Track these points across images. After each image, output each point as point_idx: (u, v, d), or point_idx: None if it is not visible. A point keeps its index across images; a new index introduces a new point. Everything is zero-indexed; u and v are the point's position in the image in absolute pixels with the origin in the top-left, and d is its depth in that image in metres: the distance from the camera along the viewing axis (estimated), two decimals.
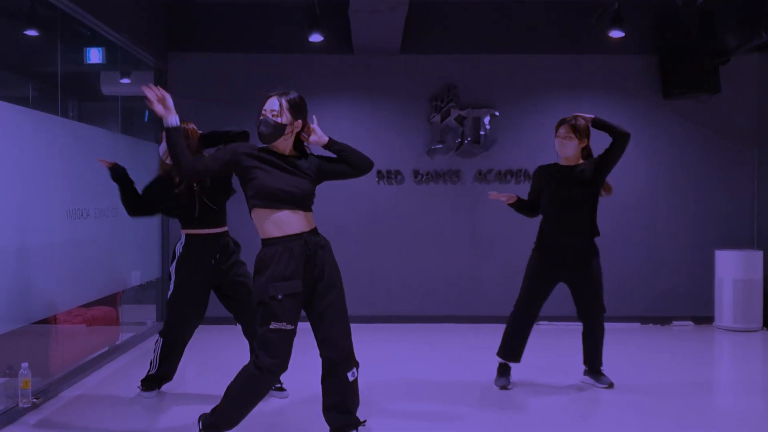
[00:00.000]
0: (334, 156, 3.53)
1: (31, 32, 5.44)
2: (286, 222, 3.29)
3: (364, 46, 6.89)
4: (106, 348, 5.80)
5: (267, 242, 3.31)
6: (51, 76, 5.35)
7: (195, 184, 4.36)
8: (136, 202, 4.60)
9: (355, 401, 3.45)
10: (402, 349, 6.18)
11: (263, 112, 3.36)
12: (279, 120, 3.33)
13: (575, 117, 4.59)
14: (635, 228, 7.22)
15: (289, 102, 3.37)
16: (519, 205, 4.80)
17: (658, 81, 7.18)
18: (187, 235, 4.46)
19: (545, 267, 4.65)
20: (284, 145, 3.40)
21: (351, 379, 3.39)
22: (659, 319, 7.22)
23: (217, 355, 5.98)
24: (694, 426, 4.06)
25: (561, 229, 4.61)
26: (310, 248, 3.31)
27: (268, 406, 4.35)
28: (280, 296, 3.20)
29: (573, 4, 7.17)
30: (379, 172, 7.22)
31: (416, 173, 7.25)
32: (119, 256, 5.99)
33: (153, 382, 4.60)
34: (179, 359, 4.66)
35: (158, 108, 3.27)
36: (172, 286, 4.46)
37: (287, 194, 3.29)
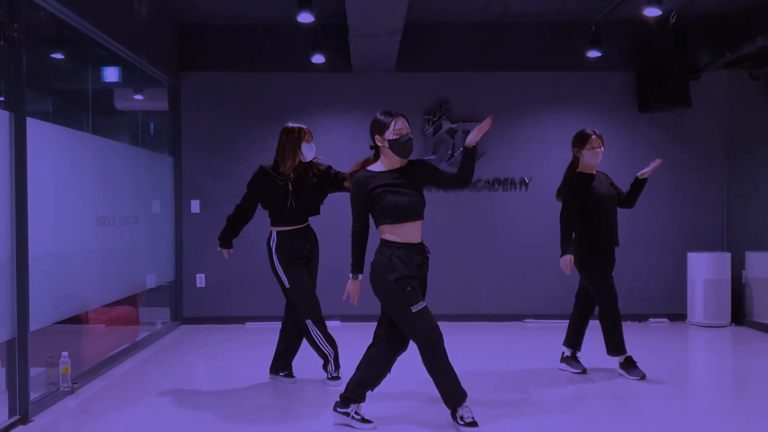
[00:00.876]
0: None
1: (58, 55, 5.97)
2: None
3: (362, 66, 7.44)
4: (128, 344, 6.34)
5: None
6: (78, 94, 5.88)
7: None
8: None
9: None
10: None
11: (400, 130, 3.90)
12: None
13: (594, 130, 5.21)
14: None
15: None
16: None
17: (635, 96, 7.75)
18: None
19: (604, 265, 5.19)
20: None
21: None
22: (637, 316, 7.77)
23: (221, 353, 6.50)
24: (671, 409, 4.51)
25: (609, 230, 5.15)
26: None
27: (281, 390, 4.90)
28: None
29: (557, 25, 7.74)
30: None
31: None
32: (139, 260, 6.54)
33: (336, 363, 5.02)
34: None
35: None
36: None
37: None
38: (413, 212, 3.92)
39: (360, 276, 4.00)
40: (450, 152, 7.77)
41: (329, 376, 5.02)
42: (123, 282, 6.14)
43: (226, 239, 5.20)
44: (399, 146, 3.90)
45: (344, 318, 7.66)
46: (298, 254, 4.95)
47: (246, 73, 7.76)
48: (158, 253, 7.28)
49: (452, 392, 3.89)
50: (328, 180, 5.03)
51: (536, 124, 7.84)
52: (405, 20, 7.38)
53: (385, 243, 3.92)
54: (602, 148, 5.16)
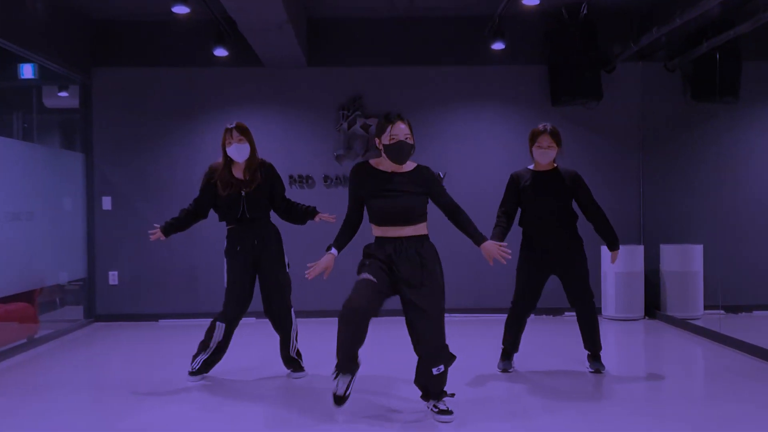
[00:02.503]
0: None
1: None
2: None
3: (272, 61, 7.41)
4: (24, 340, 6.30)
5: None
6: None
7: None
8: (186, 224, 4.97)
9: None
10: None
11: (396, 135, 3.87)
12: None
13: (546, 125, 5.00)
14: None
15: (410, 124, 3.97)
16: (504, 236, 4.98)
17: (548, 89, 7.72)
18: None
19: (535, 264, 5.02)
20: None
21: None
22: (552, 310, 7.72)
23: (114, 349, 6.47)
24: (582, 402, 4.45)
25: (546, 230, 4.97)
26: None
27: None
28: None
29: (467, 19, 7.71)
30: (291, 177, 7.73)
31: (326, 178, 7.78)
32: (36, 257, 6.50)
33: (203, 364, 4.91)
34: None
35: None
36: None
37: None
38: (399, 219, 3.93)
39: (333, 251, 4.02)
40: (365, 148, 7.73)
41: (191, 370, 4.94)
42: (12, 279, 6.10)
43: (170, 228, 4.91)
44: (390, 151, 3.90)
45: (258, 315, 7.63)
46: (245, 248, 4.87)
47: (157, 68, 7.72)
48: (67, 249, 7.25)
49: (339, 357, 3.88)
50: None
51: (450, 119, 7.80)
52: (312, 14, 7.45)
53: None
54: (554, 149, 4.92)
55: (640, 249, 7.45)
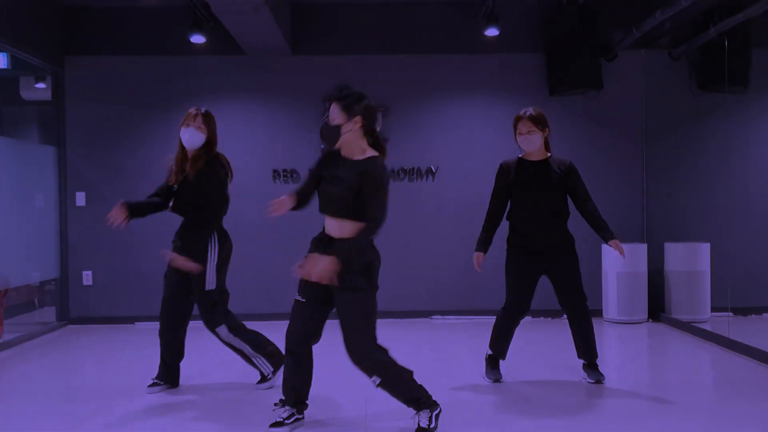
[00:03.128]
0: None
1: None
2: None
3: (253, 48, 7.03)
4: None
5: None
6: None
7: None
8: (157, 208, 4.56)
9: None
10: None
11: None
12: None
13: (526, 110, 4.59)
14: None
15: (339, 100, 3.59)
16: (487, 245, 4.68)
17: (546, 78, 7.32)
18: None
19: (523, 262, 4.62)
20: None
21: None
22: (550, 312, 7.32)
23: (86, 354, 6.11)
24: (581, 411, 4.17)
25: (535, 226, 4.58)
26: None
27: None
28: None
29: (460, 5, 7.33)
30: (275, 172, 7.35)
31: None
32: (3, 256, 6.15)
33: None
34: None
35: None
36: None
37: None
38: (327, 208, 3.60)
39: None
40: None
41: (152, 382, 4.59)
42: None
43: (134, 207, 4.39)
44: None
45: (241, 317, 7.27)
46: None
47: (133, 56, 7.35)
48: (38, 248, 6.90)
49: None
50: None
51: (442, 109, 7.42)
52: (292, 0, 7.06)
53: None
54: (536, 133, 4.51)
55: (643, 247, 7.06)
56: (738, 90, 7.14)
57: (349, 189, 3.49)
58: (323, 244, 3.57)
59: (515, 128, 4.60)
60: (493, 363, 4.81)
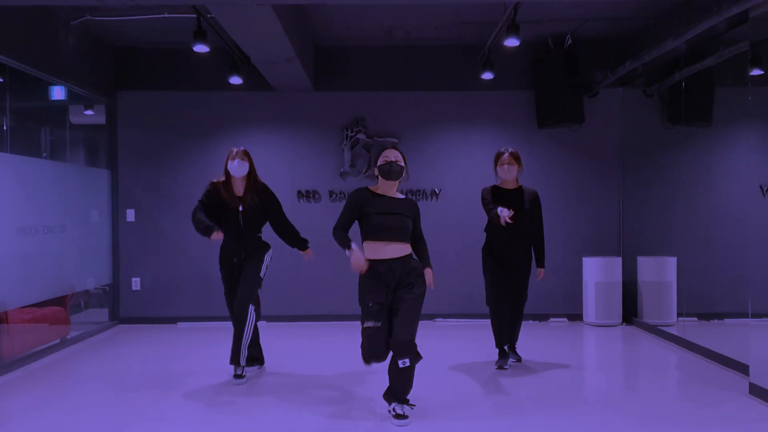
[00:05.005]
0: None
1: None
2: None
3: (281, 85, 8.10)
4: (57, 341, 7.02)
5: None
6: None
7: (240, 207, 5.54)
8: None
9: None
10: (324, 342, 7.37)
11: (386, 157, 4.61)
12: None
13: (507, 148, 5.80)
14: None
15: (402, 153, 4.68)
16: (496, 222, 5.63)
17: (534, 113, 8.37)
18: None
19: (496, 267, 5.80)
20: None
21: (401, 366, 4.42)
22: (538, 316, 8.38)
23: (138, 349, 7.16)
24: (560, 400, 5.12)
25: (506, 243, 5.74)
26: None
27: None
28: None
29: (460, 48, 8.38)
30: (299, 192, 8.42)
31: (331, 193, 8.47)
32: (67, 266, 7.22)
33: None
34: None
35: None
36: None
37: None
38: (393, 235, 4.55)
39: (354, 245, 4.54)
40: (367, 165, 8.40)
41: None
42: (47, 285, 6.82)
43: (207, 227, 5.44)
44: (382, 171, 4.62)
45: (269, 318, 8.34)
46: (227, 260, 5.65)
47: (176, 92, 8.43)
48: (94, 258, 7.97)
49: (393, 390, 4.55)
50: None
51: (445, 139, 8.46)
52: (318, 42, 8.13)
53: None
54: (514, 165, 5.70)
55: (618, 261, 8.09)
56: (703, 124, 8.11)
57: (409, 219, 4.63)
58: (391, 264, 4.52)
59: (497, 161, 5.81)
60: (501, 353, 5.94)
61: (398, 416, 4.45)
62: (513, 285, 5.84)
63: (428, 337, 7.37)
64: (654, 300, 7.97)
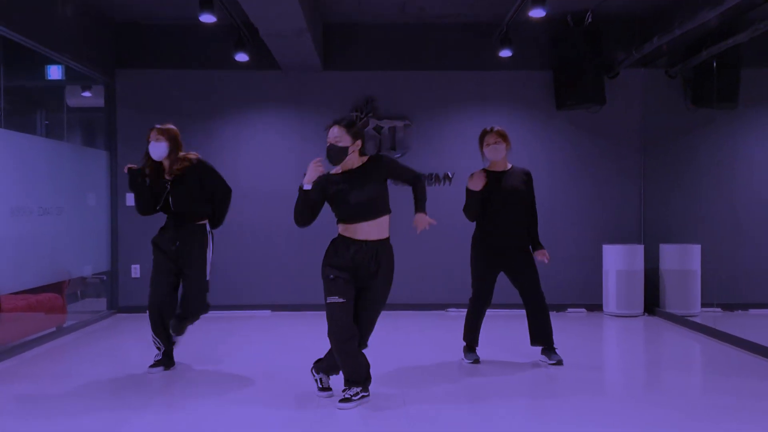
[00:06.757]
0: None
1: None
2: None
3: (289, 64, 7.74)
4: (53, 329, 6.65)
5: None
6: None
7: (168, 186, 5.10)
8: (146, 203, 5.21)
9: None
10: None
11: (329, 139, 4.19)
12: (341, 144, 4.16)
13: (492, 126, 5.31)
14: None
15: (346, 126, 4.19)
16: (476, 199, 5.21)
17: (553, 94, 8.02)
18: None
19: (489, 256, 5.30)
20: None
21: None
22: (556, 306, 8.00)
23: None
24: (585, 392, 4.72)
25: (500, 230, 5.25)
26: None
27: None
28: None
29: (476, 26, 8.03)
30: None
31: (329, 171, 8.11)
32: (63, 250, 6.85)
33: (162, 360, 5.27)
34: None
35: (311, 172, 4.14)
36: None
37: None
38: (368, 213, 4.20)
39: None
40: (377, 148, 8.05)
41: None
42: (42, 270, 6.45)
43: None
44: (326, 153, 4.23)
45: (274, 308, 8.00)
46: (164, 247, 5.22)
47: (178, 70, 8.07)
48: (92, 243, 7.60)
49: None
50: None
51: (459, 121, 8.12)
52: (327, 19, 7.76)
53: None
54: (501, 144, 5.23)
55: (640, 248, 7.76)
56: (728, 106, 7.83)
57: (382, 185, 4.25)
58: (368, 248, 4.22)
59: (482, 141, 5.31)
60: (469, 348, 5.47)
61: (345, 399, 4.21)
62: (522, 286, 5.29)
63: (439, 328, 7.13)
64: (677, 289, 7.67)
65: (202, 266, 5.19)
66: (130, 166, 5.21)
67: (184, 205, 5.12)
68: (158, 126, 5.12)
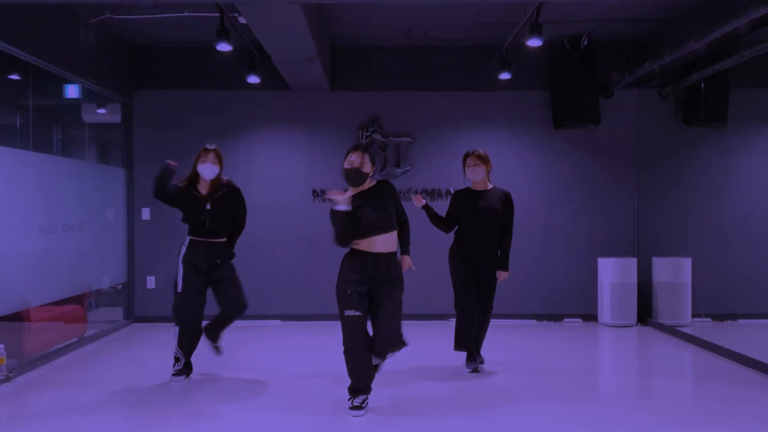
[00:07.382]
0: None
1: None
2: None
3: (298, 85, 8.10)
4: (74, 339, 7.00)
5: None
6: (24, 115, 6.55)
7: (208, 204, 5.47)
8: (166, 194, 5.49)
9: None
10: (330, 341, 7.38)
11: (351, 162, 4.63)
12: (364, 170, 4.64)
13: (475, 149, 5.73)
14: (532, 238, 8.41)
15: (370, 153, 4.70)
16: (431, 213, 5.79)
17: (550, 113, 8.39)
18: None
19: (465, 265, 5.69)
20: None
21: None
22: (552, 316, 8.40)
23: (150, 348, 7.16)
24: (581, 398, 5.10)
25: (476, 245, 5.66)
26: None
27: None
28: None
29: (476, 49, 8.40)
30: (314, 191, 8.42)
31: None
32: (84, 263, 7.21)
33: (184, 369, 5.62)
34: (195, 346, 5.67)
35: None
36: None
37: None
38: (383, 227, 4.61)
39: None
40: (382, 164, 8.41)
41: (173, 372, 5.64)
42: (66, 283, 6.80)
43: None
44: (345, 176, 4.67)
45: (284, 318, 8.34)
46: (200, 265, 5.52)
47: (193, 90, 8.43)
48: (110, 256, 7.95)
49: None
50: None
51: (460, 139, 8.47)
52: (334, 42, 8.14)
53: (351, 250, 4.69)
54: (480, 166, 5.65)
55: (633, 261, 8.11)
56: (718, 125, 8.17)
57: (391, 204, 4.69)
58: (381, 260, 4.61)
59: (464, 163, 5.76)
60: (469, 357, 5.80)
61: (355, 407, 4.59)
62: (481, 291, 5.69)
63: (440, 338, 7.42)
64: (669, 300, 8.00)
65: (233, 272, 5.63)
66: (170, 162, 5.55)
67: (219, 225, 5.51)
68: (214, 148, 5.53)
